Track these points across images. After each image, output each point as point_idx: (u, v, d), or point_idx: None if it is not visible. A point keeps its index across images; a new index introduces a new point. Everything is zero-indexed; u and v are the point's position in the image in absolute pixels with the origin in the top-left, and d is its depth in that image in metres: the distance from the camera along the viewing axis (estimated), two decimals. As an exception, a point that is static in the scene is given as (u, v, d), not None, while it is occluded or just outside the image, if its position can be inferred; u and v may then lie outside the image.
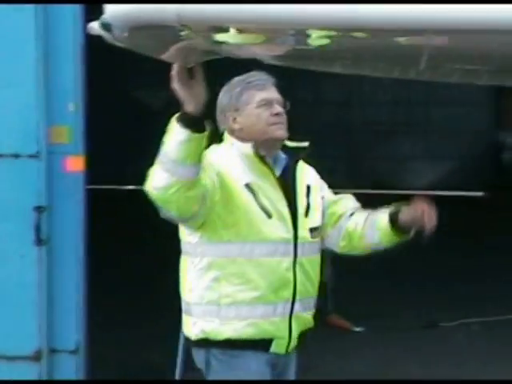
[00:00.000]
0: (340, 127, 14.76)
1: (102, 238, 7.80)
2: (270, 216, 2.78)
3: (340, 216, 3.02)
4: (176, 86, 2.50)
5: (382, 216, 2.95)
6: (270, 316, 2.80)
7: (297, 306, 2.86)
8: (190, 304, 2.86)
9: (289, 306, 2.84)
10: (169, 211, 2.64)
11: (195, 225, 2.76)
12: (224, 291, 2.77)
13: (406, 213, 2.88)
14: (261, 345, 2.82)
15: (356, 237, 2.99)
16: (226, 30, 2.04)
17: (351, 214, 3.02)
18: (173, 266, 2.97)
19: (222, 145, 2.94)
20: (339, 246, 3.05)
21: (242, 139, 2.85)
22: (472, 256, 8.91)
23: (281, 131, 2.85)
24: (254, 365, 2.82)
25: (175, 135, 2.52)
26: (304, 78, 12.34)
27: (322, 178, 3.11)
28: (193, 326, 2.85)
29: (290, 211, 2.85)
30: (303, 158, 2.99)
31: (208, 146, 2.68)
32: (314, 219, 2.95)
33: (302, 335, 2.94)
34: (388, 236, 2.95)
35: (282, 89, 2.93)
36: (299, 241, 2.85)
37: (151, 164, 2.61)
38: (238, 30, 2.04)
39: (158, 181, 2.57)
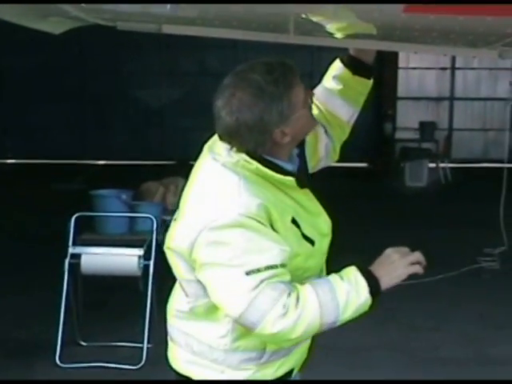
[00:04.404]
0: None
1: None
2: (313, 243, 2.09)
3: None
4: (402, 266, 2.04)
5: (335, 70, 2.44)
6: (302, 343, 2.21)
7: None
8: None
9: None
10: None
11: None
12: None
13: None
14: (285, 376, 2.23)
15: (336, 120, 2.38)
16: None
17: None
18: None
19: (220, 170, 2.03)
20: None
21: (274, 153, 2.03)
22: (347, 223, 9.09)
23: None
24: None
25: (361, 303, 2.00)
26: (188, 50, 12.28)
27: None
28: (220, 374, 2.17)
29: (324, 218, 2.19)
30: None
31: None
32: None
33: None
34: (353, 83, 2.39)
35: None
36: (325, 246, 2.20)
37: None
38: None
39: (293, 332, 1.96)
